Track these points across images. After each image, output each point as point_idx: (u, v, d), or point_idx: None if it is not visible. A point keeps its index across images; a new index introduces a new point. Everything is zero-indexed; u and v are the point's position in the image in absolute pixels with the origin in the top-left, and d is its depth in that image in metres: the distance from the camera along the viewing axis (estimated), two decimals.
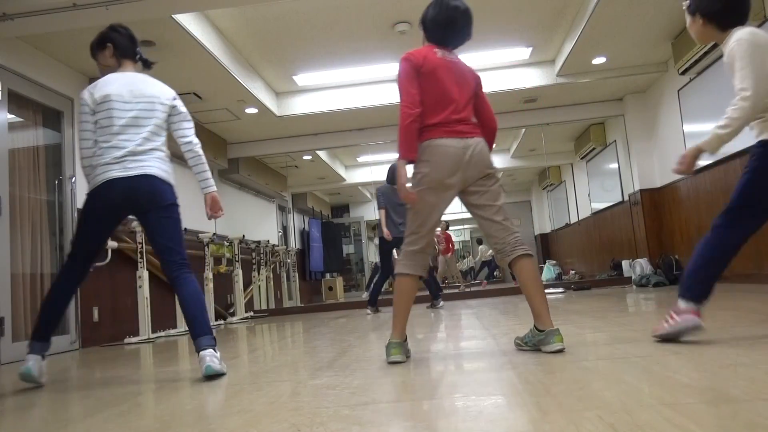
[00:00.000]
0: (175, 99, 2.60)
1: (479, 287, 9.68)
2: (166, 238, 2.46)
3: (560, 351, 2.14)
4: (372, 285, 6.57)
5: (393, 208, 5.82)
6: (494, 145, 2.49)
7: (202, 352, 2.30)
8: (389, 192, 5.85)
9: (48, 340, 2.51)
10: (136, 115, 2.47)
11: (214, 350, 2.33)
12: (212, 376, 2.27)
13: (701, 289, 2.09)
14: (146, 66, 2.70)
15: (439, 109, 2.32)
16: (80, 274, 2.55)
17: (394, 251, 5.84)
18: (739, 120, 1.98)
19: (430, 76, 2.32)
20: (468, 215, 2.89)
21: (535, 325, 2.24)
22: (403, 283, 2.33)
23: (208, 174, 2.63)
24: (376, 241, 10.80)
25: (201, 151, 2.60)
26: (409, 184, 2.31)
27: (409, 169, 2.32)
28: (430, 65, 2.33)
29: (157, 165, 2.47)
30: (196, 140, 2.61)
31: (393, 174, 5.97)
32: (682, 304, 2.10)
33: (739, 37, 2.05)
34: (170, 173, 2.54)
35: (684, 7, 2.28)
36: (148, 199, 2.43)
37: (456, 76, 2.37)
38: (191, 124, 2.64)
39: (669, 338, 2.15)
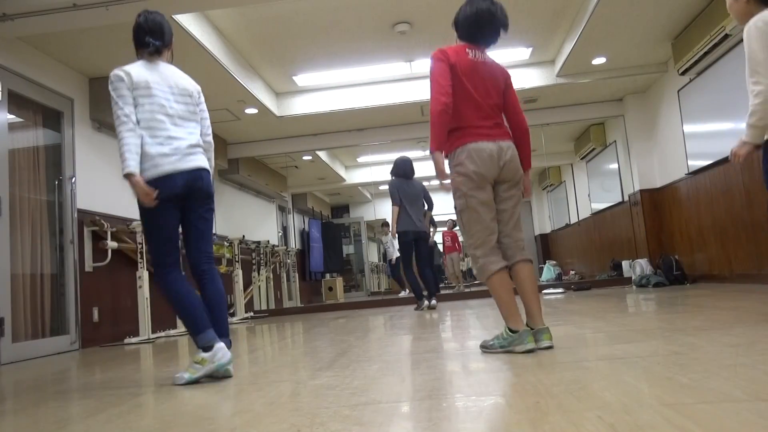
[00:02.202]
0: (200, 92, 2.62)
1: (481, 287, 9.65)
2: (207, 229, 2.53)
3: (549, 347, 2.23)
4: (408, 282, 6.31)
5: (409, 202, 5.71)
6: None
7: (219, 344, 2.26)
8: (405, 186, 5.74)
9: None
10: (186, 109, 2.48)
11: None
12: (220, 376, 2.28)
13: None
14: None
15: (470, 112, 2.31)
16: (181, 274, 2.45)
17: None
18: (759, 104, 2.11)
19: (461, 78, 2.31)
20: None
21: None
22: (495, 279, 2.28)
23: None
24: (382, 238, 10.80)
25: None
26: (446, 181, 2.30)
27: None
28: (462, 66, 2.32)
29: (204, 158, 2.51)
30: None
31: (407, 167, 5.92)
32: None
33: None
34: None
35: None
36: (204, 190, 2.46)
37: (486, 78, 2.36)
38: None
39: None
